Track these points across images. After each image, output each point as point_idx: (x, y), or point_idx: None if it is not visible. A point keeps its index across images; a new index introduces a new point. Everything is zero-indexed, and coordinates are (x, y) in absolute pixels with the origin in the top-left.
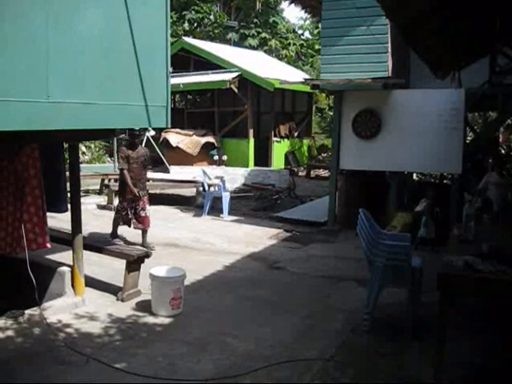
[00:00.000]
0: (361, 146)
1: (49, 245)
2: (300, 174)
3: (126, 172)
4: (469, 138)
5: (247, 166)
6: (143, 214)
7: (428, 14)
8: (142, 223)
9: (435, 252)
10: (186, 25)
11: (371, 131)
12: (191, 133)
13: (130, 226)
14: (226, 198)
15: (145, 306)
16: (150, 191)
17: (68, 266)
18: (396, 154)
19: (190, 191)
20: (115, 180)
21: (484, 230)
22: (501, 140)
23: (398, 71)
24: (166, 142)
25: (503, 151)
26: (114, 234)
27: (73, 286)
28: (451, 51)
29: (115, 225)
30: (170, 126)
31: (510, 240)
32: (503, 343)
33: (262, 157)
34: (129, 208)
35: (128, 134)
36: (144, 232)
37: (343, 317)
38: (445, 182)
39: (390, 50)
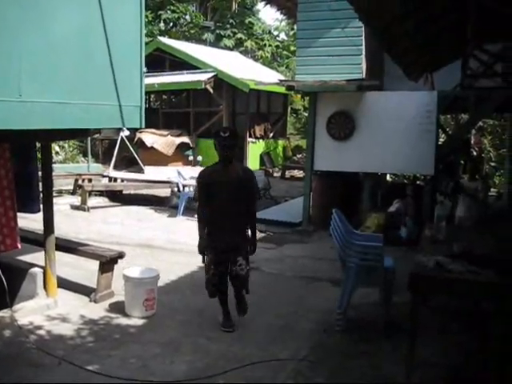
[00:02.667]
0: (335, 148)
1: (19, 245)
2: (275, 174)
3: (199, 212)
4: (441, 140)
5: None
6: (234, 272)
7: (401, 18)
8: (235, 282)
9: (411, 251)
10: (162, 24)
11: (345, 133)
12: (166, 133)
13: (225, 295)
14: None
15: (118, 308)
16: (124, 191)
17: (40, 267)
18: (370, 155)
19: (164, 191)
20: (89, 180)
21: (455, 230)
22: (472, 142)
23: (372, 73)
24: (141, 142)
25: (475, 153)
26: (225, 314)
27: (45, 287)
28: (424, 54)
29: (215, 296)
30: (144, 126)
31: (480, 240)
32: (475, 342)
33: (237, 157)
34: (218, 264)
35: (221, 145)
36: (239, 294)
37: (317, 317)
38: (418, 182)
39: (364, 52)
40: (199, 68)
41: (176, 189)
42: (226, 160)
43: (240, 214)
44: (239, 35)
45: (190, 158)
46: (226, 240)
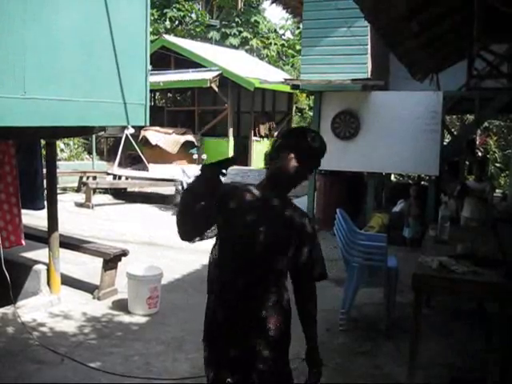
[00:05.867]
0: (340, 147)
1: (23, 242)
2: None
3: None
4: (446, 141)
5: None
6: None
7: (406, 17)
8: None
9: (414, 251)
10: (168, 23)
11: (350, 132)
12: (171, 131)
13: None
14: None
15: (121, 305)
16: (128, 189)
17: (44, 263)
18: (374, 154)
19: (168, 190)
20: (93, 178)
21: (459, 231)
22: (478, 142)
23: (377, 73)
24: (146, 140)
25: (480, 153)
26: None
27: (48, 284)
28: (429, 54)
29: None
30: (148, 124)
31: (484, 241)
32: (478, 343)
33: (242, 156)
34: None
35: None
36: None
37: (320, 316)
38: (422, 183)
39: (370, 51)
40: (204, 66)
41: (180, 187)
42: (276, 182)
43: (273, 288)
44: (245, 34)
45: (195, 156)
46: (235, 344)
